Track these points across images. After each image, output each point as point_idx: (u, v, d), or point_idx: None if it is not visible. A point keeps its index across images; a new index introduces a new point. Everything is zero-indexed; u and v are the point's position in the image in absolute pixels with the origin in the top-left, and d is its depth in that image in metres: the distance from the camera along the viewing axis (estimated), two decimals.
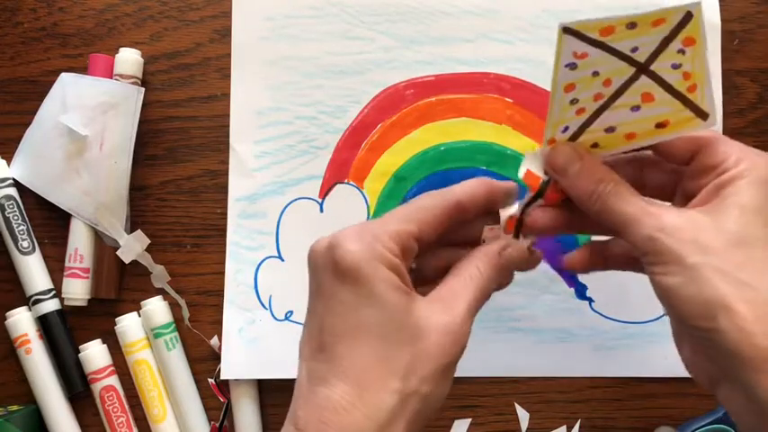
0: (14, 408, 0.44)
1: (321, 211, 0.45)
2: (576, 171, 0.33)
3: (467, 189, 0.33)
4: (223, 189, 0.45)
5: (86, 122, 0.43)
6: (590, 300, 0.45)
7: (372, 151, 0.45)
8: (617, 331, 0.44)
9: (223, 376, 0.44)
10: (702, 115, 0.33)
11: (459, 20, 0.45)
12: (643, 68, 0.32)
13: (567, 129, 0.34)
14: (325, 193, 0.45)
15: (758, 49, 0.46)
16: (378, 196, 0.45)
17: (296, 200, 0.45)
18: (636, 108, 0.33)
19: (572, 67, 0.32)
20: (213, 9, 0.46)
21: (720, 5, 0.45)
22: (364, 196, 0.45)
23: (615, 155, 0.34)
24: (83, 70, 0.45)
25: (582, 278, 0.44)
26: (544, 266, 0.44)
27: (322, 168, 0.45)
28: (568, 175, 0.33)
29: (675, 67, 0.32)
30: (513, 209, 0.35)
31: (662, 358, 0.44)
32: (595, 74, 0.32)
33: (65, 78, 0.44)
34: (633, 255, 0.33)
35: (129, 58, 0.44)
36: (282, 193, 0.45)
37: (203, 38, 0.46)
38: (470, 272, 0.33)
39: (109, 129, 0.44)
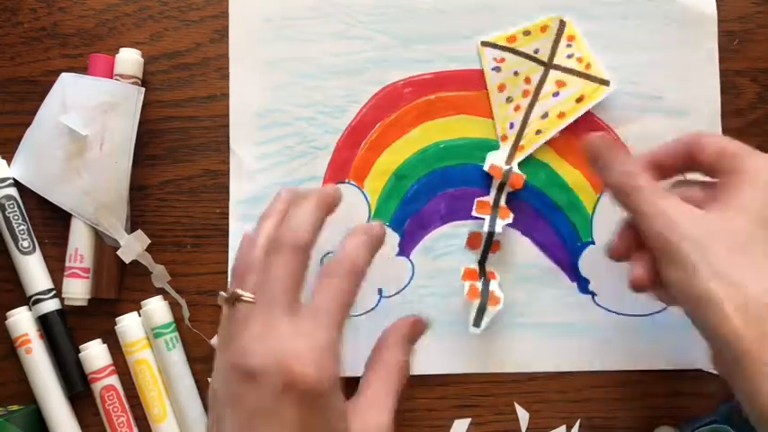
0: (14, 407, 0.44)
1: None
2: (605, 163, 0.36)
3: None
4: (223, 189, 0.45)
5: (86, 122, 0.43)
6: (593, 294, 0.45)
7: (372, 150, 0.45)
8: (620, 325, 0.44)
9: None
10: (605, 83, 0.44)
11: (456, 17, 0.45)
12: (548, 64, 0.44)
13: (512, 125, 0.44)
14: None
15: (758, 49, 0.46)
16: (378, 195, 0.45)
17: None
18: (556, 94, 0.44)
19: (497, 69, 0.45)
20: (213, 9, 0.46)
21: (720, 5, 0.45)
22: (365, 195, 0.45)
23: (556, 133, 0.44)
24: (83, 70, 0.45)
25: (584, 272, 0.45)
26: (546, 261, 0.45)
27: (322, 169, 0.45)
28: (599, 165, 0.37)
29: (570, 56, 0.44)
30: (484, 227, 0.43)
31: (666, 351, 0.44)
32: (516, 73, 0.44)
33: (65, 78, 0.44)
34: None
35: (129, 58, 0.45)
36: None
37: (203, 38, 0.46)
38: (389, 370, 0.39)
39: (109, 129, 0.44)
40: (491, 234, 0.43)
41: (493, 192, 0.44)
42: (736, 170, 0.33)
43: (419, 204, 0.45)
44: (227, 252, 0.45)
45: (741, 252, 0.31)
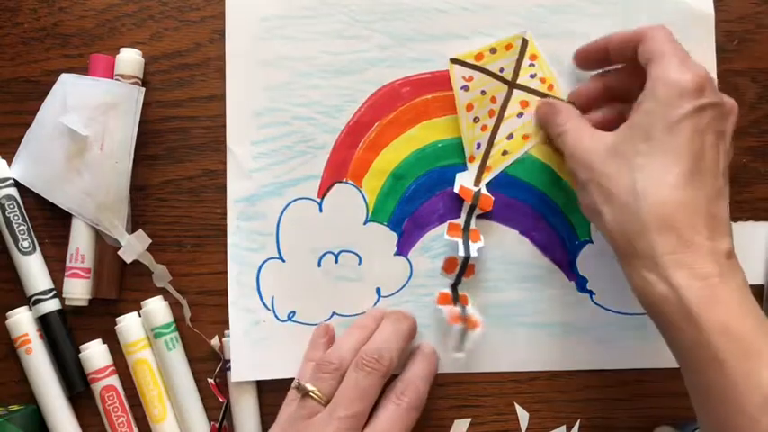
0: (14, 408, 0.44)
1: (320, 210, 0.45)
2: (546, 122, 0.43)
3: None
4: (223, 189, 0.45)
5: (87, 123, 0.43)
6: (590, 292, 0.45)
7: (370, 150, 0.45)
8: (618, 323, 0.44)
9: (233, 379, 0.44)
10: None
11: (454, 17, 0.45)
12: (512, 84, 0.44)
13: (479, 145, 0.44)
14: (323, 192, 0.45)
15: (758, 49, 0.46)
16: (376, 195, 0.45)
17: (295, 200, 0.45)
18: (521, 114, 0.44)
19: (465, 89, 0.44)
20: (213, 9, 0.46)
21: (720, 5, 0.45)
22: (363, 195, 0.45)
23: (519, 156, 0.44)
24: (83, 70, 0.45)
25: (582, 271, 0.45)
26: (545, 260, 0.45)
27: (320, 168, 0.45)
28: (542, 123, 0.44)
29: (533, 76, 0.44)
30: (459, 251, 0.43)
31: (665, 349, 0.44)
32: (483, 93, 0.44)
33: (65, 79, 0.44)
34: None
35: (129, 59, 0.44)
36: (281, 194, 0.45)
37: (203, 38, 0.46)
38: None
39: (109, 129, 0.44)
40: (466, 258, 0.43)
41: (463, 215, 0.44)
42: (647, 75, 0.37)
43: (417, 204, 0.45)
44: (227, 252, 0.45)
45: (614, 165, 0.37)
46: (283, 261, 0.45)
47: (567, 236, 0.45)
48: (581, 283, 0.45)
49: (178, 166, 0.46)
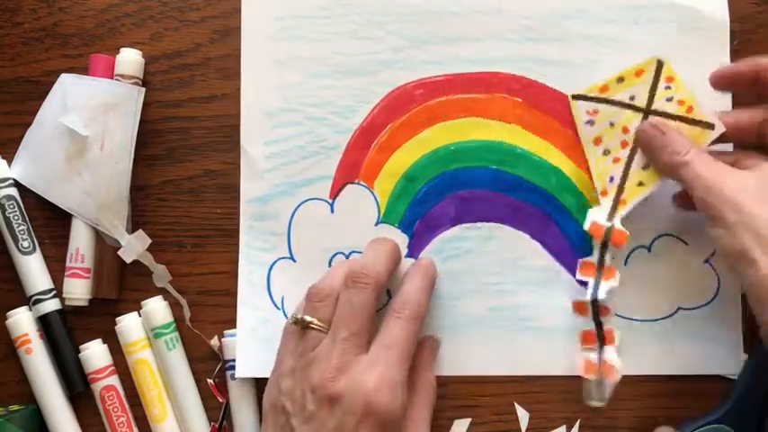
0: (14, 408, 0.44)
1: (332, 211, 0.45)
2: (655, 148, 0.40)
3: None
4: (223, 189, 0.45)
5: (87, 123, 0.43)
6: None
7: (382, 151, 0.45)
8: (628, 329, 0.44)
9: (238, 375, 0.44)
10: (709, 127, 0.41)
11: (468, 19, 0.45)
12: (647, 111, 0.42)
13: (612, 179, 0.43)
14: (335, 193, 0.45)
15: (758, 49, 0.46)
16: (388, 196, 0.45)
17: (307, 200, 0.45)
18: None
19: (590, 123, 0.43)
20: (213, 9, 0.46)
21: None
22: (375, 196, 0.45)
23: (656, 188, 0.42)
24: (83, 70, 0.45)
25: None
26: (554, 264, 0.45)
27: (332, 169, 0.45)
28: (650, 151, 0.41)
29: (669, 99, 0.42)
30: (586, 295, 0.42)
31: (673, 356, 0.44)
32: (612, 124, 0.43)
33: (65, 79, 0.44)
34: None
35: (130, 59, 0.45)
36: (294, 194, 0.45)
37: (203, 38, 0.46)
38: (427, 390, 0.42)
39: (110, 129, 0.44)
40: (595, 301, 0.42)
41: (596, 253, 0.42)
42: None
43: (429, 206, 0.45)
44: (228, 252, 0.45)
45: (766, 200, 0.35)
46: (294, 261, 0.45)
47: (577, 240, 0.45)
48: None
49: (178, 166, 0.46)
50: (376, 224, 0.45)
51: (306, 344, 0.39)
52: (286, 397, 0.38)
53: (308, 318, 0.39)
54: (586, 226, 0.42)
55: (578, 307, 0.43)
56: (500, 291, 0.44)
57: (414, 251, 0.45)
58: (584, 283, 0.43)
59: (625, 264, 0.44)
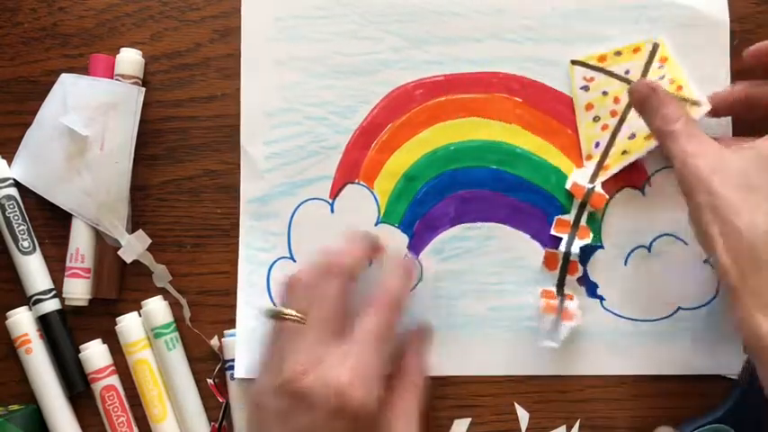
0: (14, 408, 0.44)
1: (332, 211, 0.45)
2: (648, 108, 0.39)
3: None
4: (223, 189, 0.45)
5: (87, 123, 0.43)
6: (601, 298, 0.44)
7: (382, 151, 0.45)
8: (628, 329, 0.44)
9: (237, 375, 0.44)
10: (696, 104, 0.42)
11: (468, 20, 0.45)
12: None
13: (598, 144, 0.44)
14: (335, 193, 0.45)
15: None
16: (388, 196, 0.45)
17: (307, 200, 0.45)
18: None
19: (585, 89, 0.44)
20: (213, 9, 0.46)
21: None
22: (374, 196, 0.45)
23: (640, 155, 0.43)
24: (83, 70, 0.45)
25: (592, 276, 0.44)
26: None
27: (332, 169, 0.45)
28: (643, 110, 0.40)
29: (661, 78, 0.43)
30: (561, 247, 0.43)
31: (673, 356, 0.44)
32: (605, 93, 0.44)
33: (65, 79, 0.44)
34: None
35: (130, 59, 0.45)
36: (293, 194, 0.45)
37: (203, 38, 0.46)
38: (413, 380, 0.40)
39: (110, 129, 0.44)
40: (567, 254, 0.43)
41: (573, 211, 0.44)
42: None
43: (429, 206, 0.45)
44: (228, 252, 0.45)
45: (741, 195, 0.34)
46: (294, 261, 0.45)
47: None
48: (591, 288, 0.45)
49: (178, 166, 0.46)
50: (376, 224, 0.45)
51: (281, 336, 0.37)
52: (263, 394, 0.37)
53: (283, 309, 0.37)
54: (568, 185, 0.44)
55: (549, 258, 0.44)
56: (500, 291, 0.44)
57: (414, 251, 0.45)
58: (583, 283, 0.44)
59: (625, 264, 0.44)
